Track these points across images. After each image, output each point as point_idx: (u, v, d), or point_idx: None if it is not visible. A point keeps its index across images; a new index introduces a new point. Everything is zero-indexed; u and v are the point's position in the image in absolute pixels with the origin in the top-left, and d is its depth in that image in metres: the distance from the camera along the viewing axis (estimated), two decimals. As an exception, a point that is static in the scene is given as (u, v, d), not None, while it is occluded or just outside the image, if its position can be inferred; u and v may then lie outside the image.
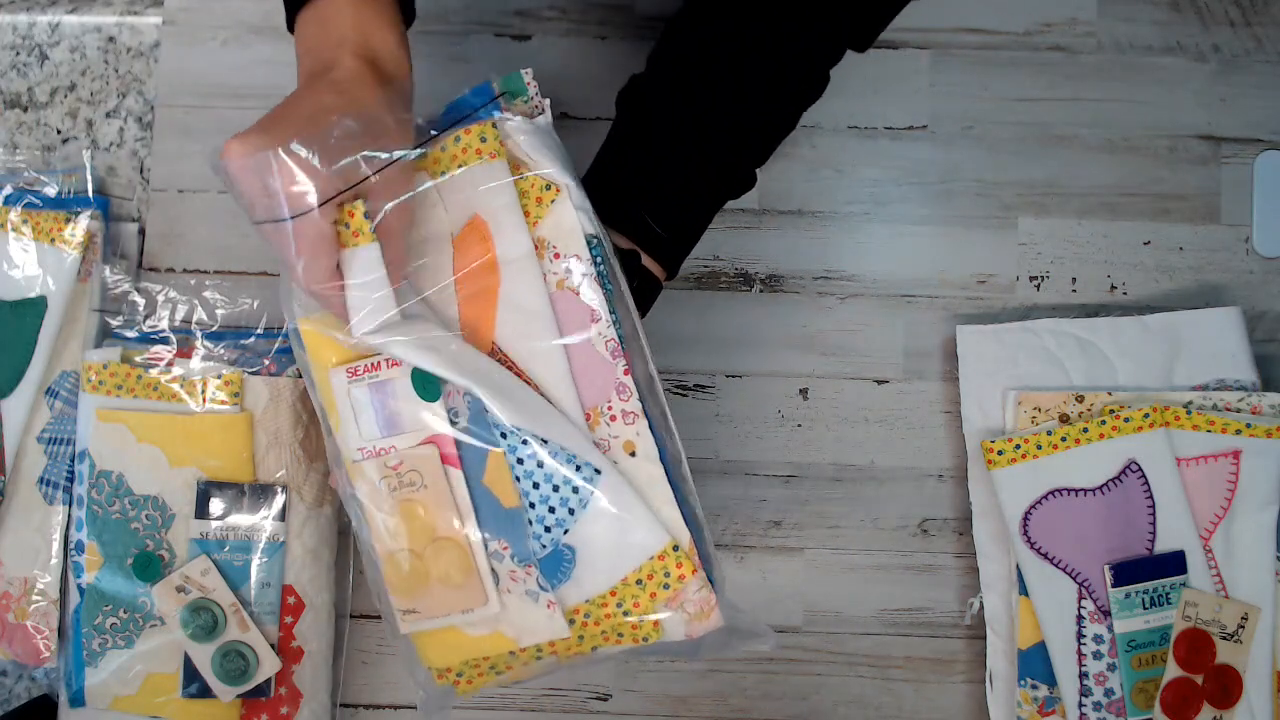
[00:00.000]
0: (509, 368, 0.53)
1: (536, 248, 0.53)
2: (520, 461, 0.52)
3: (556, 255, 0.53)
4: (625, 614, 0.53)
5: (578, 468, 0.52)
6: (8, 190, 0.71)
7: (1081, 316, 0.71)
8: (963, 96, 0.73)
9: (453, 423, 0.53)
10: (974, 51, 0.74)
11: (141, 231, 0.73)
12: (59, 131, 0.75)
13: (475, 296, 0.54)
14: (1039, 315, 0.71)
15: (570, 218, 0.53)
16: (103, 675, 0.66)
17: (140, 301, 0.71)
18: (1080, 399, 0.68)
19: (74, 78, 0.75)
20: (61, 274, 0.69)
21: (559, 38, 0.74)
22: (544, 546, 0.53)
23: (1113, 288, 0.73)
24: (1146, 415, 0.66)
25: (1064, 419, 0.68)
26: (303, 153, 0.44)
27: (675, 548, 0.52)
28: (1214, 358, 0.69)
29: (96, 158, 0.74)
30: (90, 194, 0.72)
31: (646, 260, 0.58)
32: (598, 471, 0.52)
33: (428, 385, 0.53)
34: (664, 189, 0.57)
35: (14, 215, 0.69)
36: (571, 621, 0.54)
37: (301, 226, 0.45)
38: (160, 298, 0.71)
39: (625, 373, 0.53)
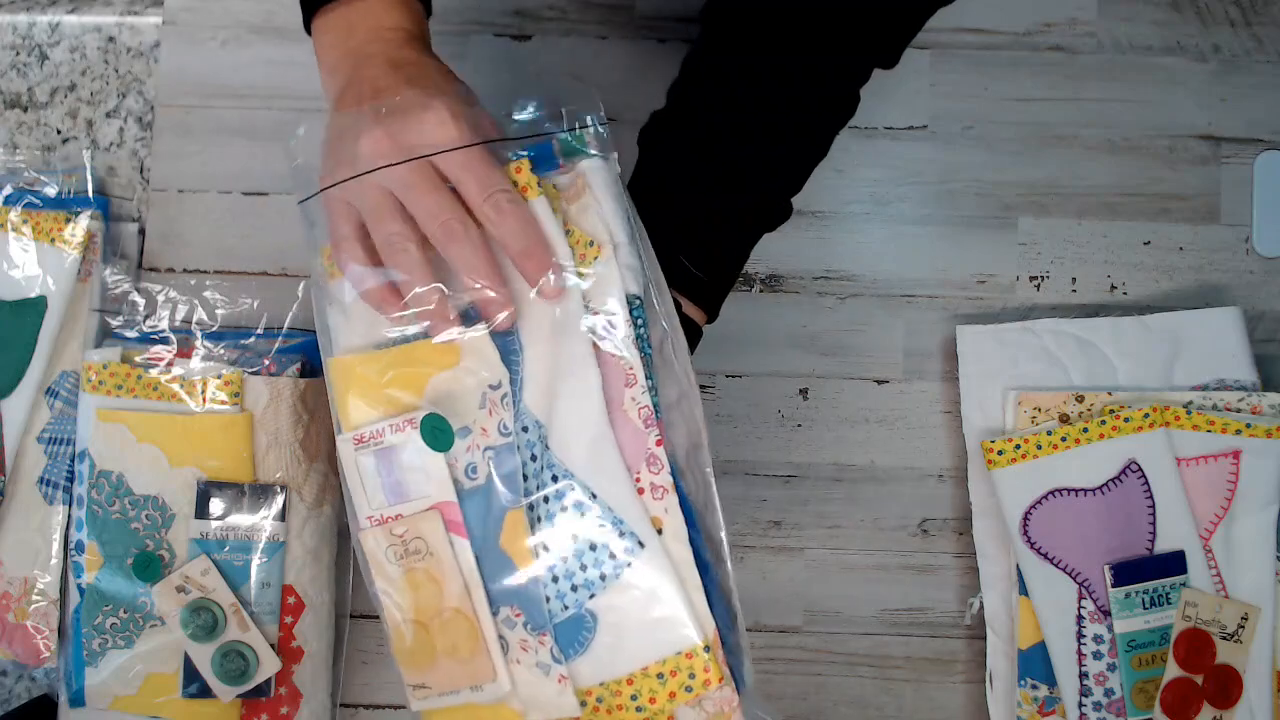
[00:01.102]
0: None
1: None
2: (549, 516, 0.49)
3: (595, 312, 0.50)
4: (639, 708, 0.49)
5: (621, 534, 0.49)
6: (8, 190, 0.71)
7: (1081, 316, 0.71)
8: (963, 96, 0.73)
9: (470, 478, 0.50)
10: (974, 51, 0.74)
11: (141, 231, 0.73)
12: (59, 131, 0.75)
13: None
14: (1039, 315, 0.71)
15: (614, 277, 0.50)
16: (103, 675, 0.66)
17: (140, 301, 0.71)
18: (1080, 399, 0.68)
19: (74, 78, 0.75)
20: (61, 274, 0.69)
21: (559, 38, 0.74)
22: (565, 608, 0.49)
23: (1113, 288, 0.73)
24: (1146, 415, 0.66)
25: (1064, 419, 0.68)
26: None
27: (706, 648, 0.48)
28: (1214, 358, 0.69)
29: (96, 158, 0.74)
30: (90, 194, 0.72)
31: (687, 306, 0.55)
32: (641, 545, 0.48)
33: (439, 434, 0.50)
34: (699, 230, 0.55)
35: (14, 215, 0.69)
36: (583, 704, 0.50)
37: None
38: (160, 298, 0.71)
39: (658, 443, 0.49)
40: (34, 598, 0.69)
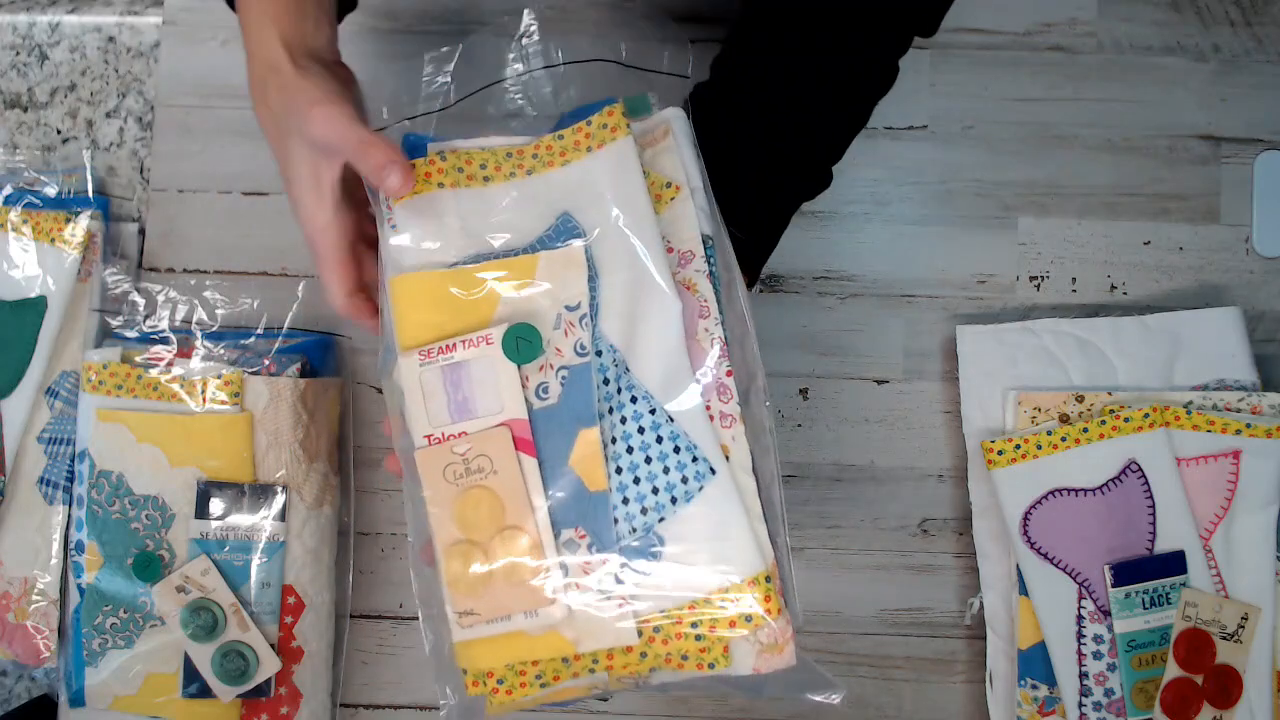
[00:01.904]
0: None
1: None
2: (625, 437, 0.50)
3: (670, 249, 0.52)
4: (698, 637, 0.49)
5: (694, 459, 0.49)
6: (8, 190, 0.71)
7: (1081, 316, 0.71)
8: (963, 96, 0.73)
9: (540, 398, 0.50)
10: (974, 51, 0.74)
11: (141, 231, 0.73)
12: (59, 131, 0.75)
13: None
14: (1039, 315, 0.71)
15: (690, 215, 0.53)
16: (103, 675, 0.66)
17: (140, 301, 0.71)
18: (1080, 399, 0.68)
19: (74, 78, 0.75)
20: (61, 274, 0.69)
21: (559, 38, 0.74)
22: (633, 530, 0.50)
23: (1113, 288, 0.73)
24: (1146, 415, 0.66)
25: (1064, 419, 0.68)
26: None
27: (768, 578, 0.49)
28: (1214, 358, 0.69)
29: (96, 158, 0.74)
30: (90, 194, 0.72)
31: None
32: (713, 471, 0.49)
33: (525, 345, 0.50)
34: (742, 194, 0.56)
35: (14, 215, 0.69)
36: (639, 634, 0.49)
37: None
38: (160, 298, 0.71)
39: (728, 374, 0.51)
40: (34, 598, 0.69)
